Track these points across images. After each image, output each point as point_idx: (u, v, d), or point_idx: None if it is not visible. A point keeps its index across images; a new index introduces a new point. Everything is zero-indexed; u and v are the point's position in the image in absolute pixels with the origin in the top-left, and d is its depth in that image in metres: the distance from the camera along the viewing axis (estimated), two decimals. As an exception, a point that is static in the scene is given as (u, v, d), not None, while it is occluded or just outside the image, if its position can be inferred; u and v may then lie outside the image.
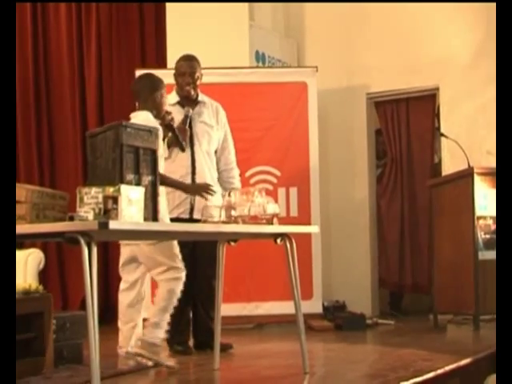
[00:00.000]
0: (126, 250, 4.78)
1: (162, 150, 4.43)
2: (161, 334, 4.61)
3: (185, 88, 5.28)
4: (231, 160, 5.49)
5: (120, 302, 4.81)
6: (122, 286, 4.83)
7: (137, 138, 3.67)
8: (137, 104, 4.69)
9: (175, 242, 4.64)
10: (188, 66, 5.29)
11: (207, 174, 5.24)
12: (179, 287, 4.61)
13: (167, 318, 4.61)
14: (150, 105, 4.59)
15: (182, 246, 4.75)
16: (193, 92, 5.30)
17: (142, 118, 4.42)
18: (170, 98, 5.36)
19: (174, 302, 4.61)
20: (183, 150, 5.06)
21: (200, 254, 5.19)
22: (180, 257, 4.66)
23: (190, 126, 5.20)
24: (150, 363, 4.56)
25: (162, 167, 4.44)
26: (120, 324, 4.78)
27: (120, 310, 4.80)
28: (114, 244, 7.39)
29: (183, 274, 4.64)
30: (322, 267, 6.99)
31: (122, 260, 4.83)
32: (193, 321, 5.35)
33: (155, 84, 4.63)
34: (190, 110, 5.23)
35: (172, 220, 4.79)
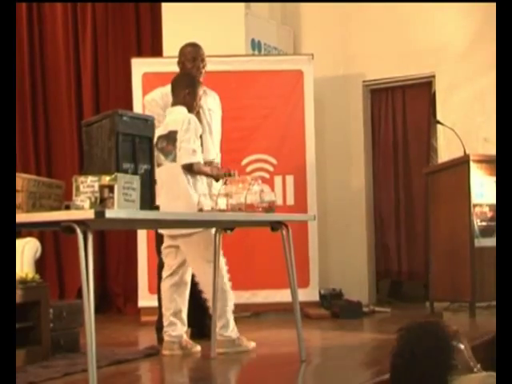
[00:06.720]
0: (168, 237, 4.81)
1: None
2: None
3: (196, 72, 5.09)
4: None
5: (163, 287, 4.81)
6: (165, 272, 4.83)
7: (133, 126, 3.65)
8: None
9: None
10: (197, 51, 5.18)
11: (216, 160, 5.16)
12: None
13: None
14: (181, 100, 4.74)
15: None
16: (201, 79, 5.18)
17: (177, 111, 4.66)
18: None
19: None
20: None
21: None
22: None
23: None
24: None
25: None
26: (164, 310, 4.79)
27: (164, 296, 4.81)
28: (110, 232, 7.42)
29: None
30: (319, 255, 6.98)
31: (165, 243, 4.83)
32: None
33: (188, 81, 4.81)
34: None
35: None
